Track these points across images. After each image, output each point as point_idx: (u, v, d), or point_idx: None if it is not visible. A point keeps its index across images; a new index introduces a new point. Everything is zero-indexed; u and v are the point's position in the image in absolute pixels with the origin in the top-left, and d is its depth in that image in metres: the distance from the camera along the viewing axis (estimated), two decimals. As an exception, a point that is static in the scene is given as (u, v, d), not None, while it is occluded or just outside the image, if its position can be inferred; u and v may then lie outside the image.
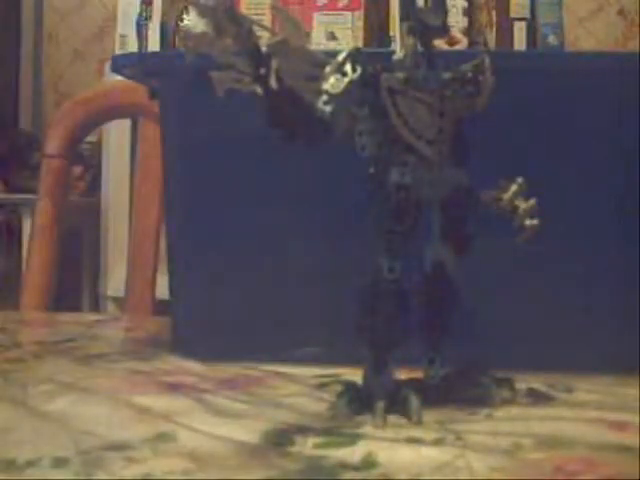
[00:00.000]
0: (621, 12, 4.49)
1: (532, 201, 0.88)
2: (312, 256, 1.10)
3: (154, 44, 3.66)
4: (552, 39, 3.43)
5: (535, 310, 1.09)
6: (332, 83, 0.78)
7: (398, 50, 0.87)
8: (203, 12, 0.63)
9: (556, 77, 1.13)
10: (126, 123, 3.57)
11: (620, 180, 1.15)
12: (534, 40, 3.44)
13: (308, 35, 0.71)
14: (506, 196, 0.88)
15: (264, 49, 0.70)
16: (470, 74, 0.89)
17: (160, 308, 1.82)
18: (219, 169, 1.14)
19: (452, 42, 3.48)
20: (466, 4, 3.52)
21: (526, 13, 3.46)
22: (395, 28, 3.46)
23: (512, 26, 3.45)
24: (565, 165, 1.13)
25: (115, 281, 3.78)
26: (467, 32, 3.50)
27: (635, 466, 0.70)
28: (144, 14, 3.83)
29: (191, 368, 1.07)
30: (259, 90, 0.68)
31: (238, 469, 0.63)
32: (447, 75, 0.88)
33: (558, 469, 0.68)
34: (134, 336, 1.41)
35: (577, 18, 4.50)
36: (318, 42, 3.51)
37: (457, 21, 3.51)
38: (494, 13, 3.46)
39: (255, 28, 0.68)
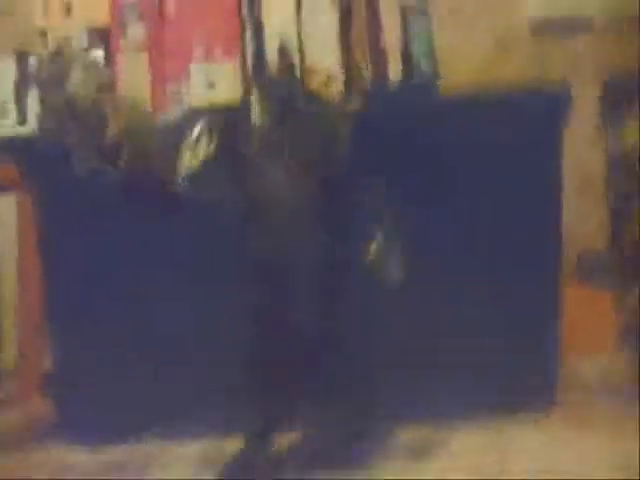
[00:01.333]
0: (495, 39, 4.63)
1: (396, 255, 0.89)
2: (187, 329, 1.10)
3: (32, 109, 3.60)
4: (425, 68, 3.51)
5: (406, 363, 1.11)
6: (188, 159, 0.78)
7: (254, 115, 0.88)
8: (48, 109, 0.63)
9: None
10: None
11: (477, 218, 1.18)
12: (409, 70, 3.50)
13: (154, 117, 0.71)
14: (372, 250, 0.90)
15: (112, 138, 0.70)
16: (326, 131, 0.90)
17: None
18: (87, 244, 1.13)
19: (329, 80, 3.52)
20: (340, 40, 3.57)
21: (399, 44, 3.52)
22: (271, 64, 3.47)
23: (386, 54, 3.51)
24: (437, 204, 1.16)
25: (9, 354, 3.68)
26: (344, 68, 3.54)
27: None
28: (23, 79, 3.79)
29: (76, 455, 1.05)
30: (113, 176, 0.68)
31: None
32: (301, 136, 0.89)
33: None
34: (18, 421, 1.38)
35: (449, 44, 4.61)
36: (197, 92, 3.51)
37: (333, 57, 3.56)
38: (368, 47, 3.52)
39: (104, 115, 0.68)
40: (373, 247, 0.80)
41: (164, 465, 0.85)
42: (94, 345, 1.06)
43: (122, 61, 3.74)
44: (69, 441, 0.98)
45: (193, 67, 3.55)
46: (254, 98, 1.08)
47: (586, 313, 1.73)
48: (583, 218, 3.65)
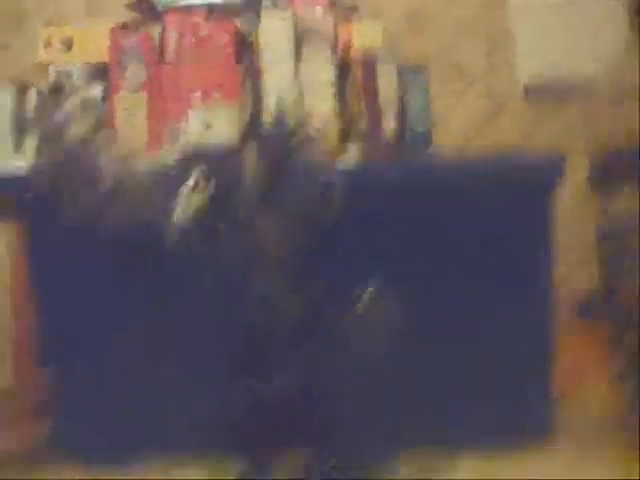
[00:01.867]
0: (488, 94, 4.69)
1: (384, 305, 0.92)
2: (181, 363, 1.12)
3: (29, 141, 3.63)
4: (419, 126, 3.56)
5: (409, 393, 1.13)
6: (179, 211, 0.80)
7: (248, 166, 0.91)
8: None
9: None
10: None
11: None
12: (403, 124, 3.55)
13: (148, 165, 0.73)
14: (364, 298, 0.92)
15: (105, 188, 0.72)
16: (321, 191, 0.93)
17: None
18: (79, 277, 1.15)
19: (325, 125, 3.55)
20: (336, 91, 3.62)
21: (395, 99, 3.58)
22: (268, 115, 3.52)
23: (381, 112, 3.56)
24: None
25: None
26: (340, 118, 3.59)
27: None
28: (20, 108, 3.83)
29: (72, 476, 1.06)
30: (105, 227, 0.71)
31: None
32: (294, 193, 0.91)
33: None
34: (14, 445, 1.39)
35: (448, 91, 4.66)
36: (195, 132, 3.54)
37: (329, 106, 3.61)
38: (364, 100, 3.57)
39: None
40: (366, 295, 0.82)
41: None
42: (89, 371, 1.08)
43: (120, 99, 3.78)
44: (65, 463, 1.00)
45: (191, 112, 3.59)
46: (249, 149, 1.11)
47: (581, 356, 1.76)
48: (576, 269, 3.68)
